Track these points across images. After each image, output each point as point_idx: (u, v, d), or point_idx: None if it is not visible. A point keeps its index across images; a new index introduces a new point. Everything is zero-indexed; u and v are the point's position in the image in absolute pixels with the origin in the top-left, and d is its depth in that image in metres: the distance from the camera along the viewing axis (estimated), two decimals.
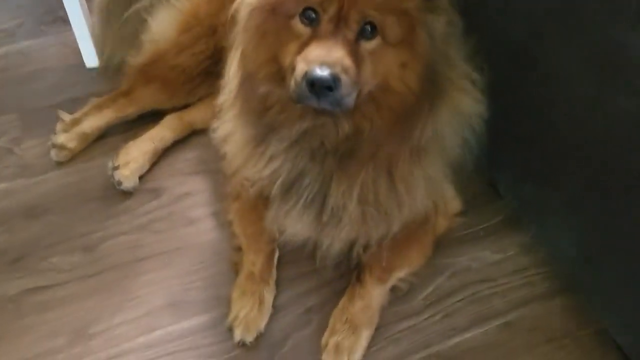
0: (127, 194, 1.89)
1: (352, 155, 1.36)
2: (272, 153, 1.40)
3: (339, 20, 1.18)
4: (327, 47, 1.16)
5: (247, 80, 1.34)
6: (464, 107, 1.41)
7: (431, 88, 1.27)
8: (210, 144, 1.93)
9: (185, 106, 2.05)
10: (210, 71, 1.96)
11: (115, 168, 1.88)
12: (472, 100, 1.42)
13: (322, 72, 1.13)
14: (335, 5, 1.17)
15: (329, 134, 1.31)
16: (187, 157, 2.01)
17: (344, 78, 1.15)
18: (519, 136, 1.56)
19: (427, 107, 1.28)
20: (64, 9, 2.16)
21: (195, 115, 2.03)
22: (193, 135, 2.06)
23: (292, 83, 1.19)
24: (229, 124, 1.55)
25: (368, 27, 1.19)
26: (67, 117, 2.01)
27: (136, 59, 2.03)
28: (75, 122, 2.00)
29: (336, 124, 1.30)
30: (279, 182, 1.44)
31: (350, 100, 1.20)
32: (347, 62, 1.16)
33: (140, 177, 1.92)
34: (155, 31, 2.02)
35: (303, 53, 1.18)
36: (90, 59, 2.28)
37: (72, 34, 2.25)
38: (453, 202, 1.68)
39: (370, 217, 1.45)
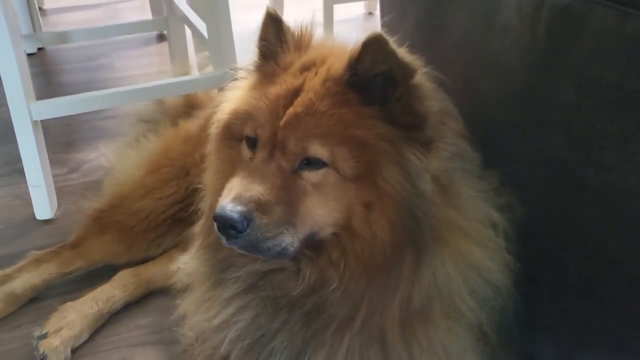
0: None
1: (321, 314, 1.04)
2: (225, 297, 1.13)
3: (274, 148, 1.01)
4: (250, 179, 0.99)
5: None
6: (476, 259, 1.06)
7: (413, 237, 0.97)
8: (171, 308, 1.56)
9: (144, 261, 1.68)
10: (178, 218, 1.65)
11: (42, 337, 1.44)
12: (487, 250, 1.07)
13: (228, 209, 0.94)
14: (268, 132, 1.02)
15: (287, 281, 1.07)
16: (140, 323, 1.58)
17: (258, 219, 0.95)
18: (566, 288, 1.13)
19: (409, 260, 0.98)
20: None
21: (155, 272, 1.65)
22: (150, 296, 1.66)
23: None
24: (189, 262, 1.25)
25: (316, 159, 0.97)
26: None
27: (92, 205, 1.71)
28: (5, 280, 1.61)
29: (297, 270, 1.06)
30: (230, 337, 1.11)
31: (282, 245, 0.98)
32: (268, 198, 0.96)
33: (74, 350, 1.48)
34: (119, 173, 1.75)
35: (227, 183, 1.01)
36: (42, 210, 1.97)
37: (26, 186, 1.99)
38: None
39: None
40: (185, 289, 1.29)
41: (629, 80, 0.79)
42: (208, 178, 1.21)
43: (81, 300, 1.55)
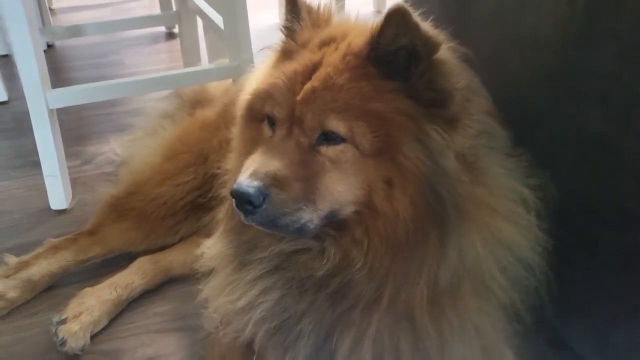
0: (73, 358, 1.40)
1: (348, 294, 1.02)
2: (249, 278, 1.11)
3: (292, 124, 1.00)
4: (269, 155, 0.98)
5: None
6: (506, 236, 1.04)
7: (436, 215, 0.95)
8: (190, 295, 1.55)
9: (162, 249, 1.66)
10: (197, 204, 1.64)
11: (62, 322, 1.42)
12: (517, 227, 1.05)
13: (244, 184, 0.94)
14: (285, 108, 1.01)
15: (312, 261, 1.04)
16: (158, 310, 1.56)
17: (274, 194, 0.94)
18: (601, 264, 1.11)
19: (433, 238, 0.96)
20: (38, 152, 1.92)
21: (173, 259, 1.64)
22: (168, 283, 1.64)
23: None
24: (213, 245, 1.22)
25: (332, 132, 0.96)
26: (12, 260, 1.60)
27: (109, 192, 1.70)
28: (22, 266, 1.59)
29: (322, 250, 1.03)
30: (255, 318, 1.09)
31: (301, 222, 0.97)
32: (285, 173, 0.95)
33: (93, 336, 1.46)
34: (136, 160, 1.74)
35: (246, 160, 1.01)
36: (57, 200, 1.95)
37: (40, 177, 1.98)
38: None
39: None
40: (209, 274, 1.28)
41: None
42: (232, 161, 1.19)
43: (100, 286, 1.54)
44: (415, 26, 0.91)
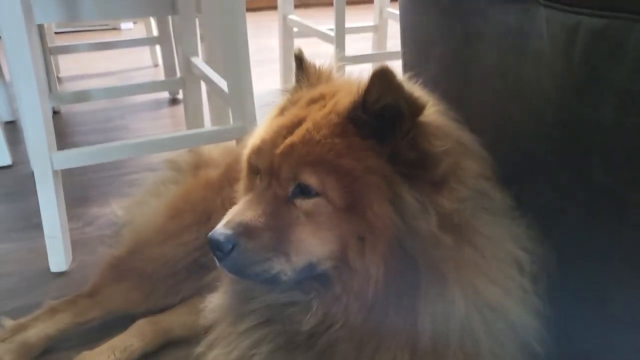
0: None
1: (334, 355, 1.01)
2: (242, 329, 1.12)
3: (271, 176, 1.03)
4: (246, 205, 1.02)
5: None
6: (493, 298, 1.00)
7: (409, 277, 0.94)
8: (192, 358, 1.51)
9: (162, 310, 1.63)
10: (199, 264, 1.61)
11: None
12: (508, 291, 1.02)
13: (217, 232, 0.98)
14: (267, 160, 1.04)
15: (298, 315, 1.05)
16: None
17: (243, 242, 0.97)
18: (613, 320, 1.07)
19: (406, 301, 0.95)
20: (39, 215, 1.92)
21: (174, 320, 1.60)
22: (169, 346, 1.59)
23: None
24: (213, 299, 1.23)
25: (306, 185, 0.98)
26: (9, 323, 1.57)
27: (111, 252, 1.68)
28: (19, 329, 1.55)
29: (307, 305, 1.04)
30: None
31: (271, 272, 0.99)
32: (256, 223, 0.99)
33: None
34: (139, 220, 1.73)
35: None
36: (57, 263, 1.93)
37: (40, 239, 1.97)
38: None
39: None
40: (209, 328, 1.25)
41: None
42: None
43: (98, 349, 1.49)
44: (399, 86, 0.93)
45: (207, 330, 1.25)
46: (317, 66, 1.17)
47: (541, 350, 1.03)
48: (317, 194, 0.98)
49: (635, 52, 0.84)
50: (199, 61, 2.50)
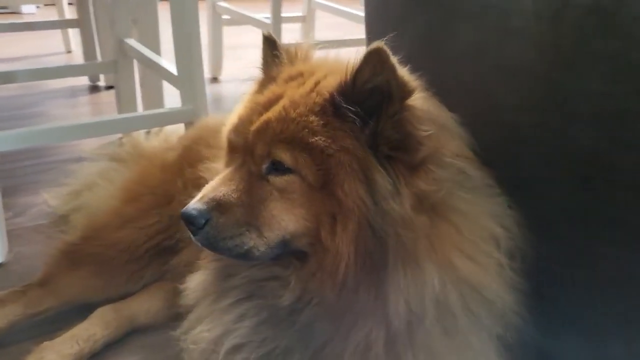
0: None
1: (315, 330, 1.02)
2: (225, 305, 1.13)
3: (246, 153, 1.05)
4: (220, 181, 1.04)
5: None
6: (471, 275, 1.03)
7: (377, 257, 0.96)
8: (159, 345, 1.46)
9: (122, 297, 1.55)
10: (162, 248, 1.56)
11: None
12: (485, 267, 1.04)
13: (190, 207, 1.01)
14: (242, 137, 1.06)
15: (280, 290, 1.06)
16: None
17: (215, 217, 1.00)
18: (600, 282, 1.13)
19: (376, 280, 0.97)
20: None
21: (137, 307, 1.53)
22: (133, 334, 1.52)
23: None
24: (195, 278, 1.21)
25: (280, 162, 0.99)
26: None
27: (63, 239, 1.58)
28: None
29: (286, 280, 1.05)
30: (229, 344, 1.09)
31: (244, 247, 1.01)
32: (228, 199, 1.01)
33: None
34: (92, 204, 1.63)
35: None
36: None
37: None
38: None
39: None
40: (190, 307, 1.22)
41: None
42: None
43: (59, 339, 1.39)
44: (392, 67, 0.93)
45: (188, 309, 1.22)
46: (295, 46, 1.18)
47: (517, 324, 1.07)
48: (290, 171, 0.98)
49: (625, 25, 0.92)
50: (135, 43, 2.40)
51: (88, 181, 1.95)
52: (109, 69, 2.65)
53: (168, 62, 2.13)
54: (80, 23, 3.46)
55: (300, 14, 3.81)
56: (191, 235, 1.03)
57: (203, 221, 0.99)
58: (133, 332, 1.52)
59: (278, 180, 1.00)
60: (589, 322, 1.13)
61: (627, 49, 0.93)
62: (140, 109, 2.74)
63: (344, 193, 0.95)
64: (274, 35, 1.19)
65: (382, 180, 0.95)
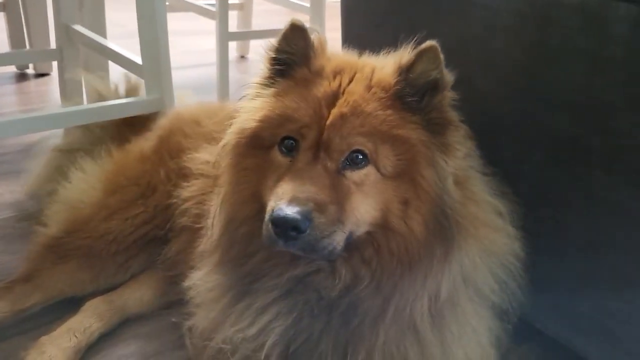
0: None
1: (356, 311, 1.09)
2: (259, 306, 1.14)
3: (318, 149, 1.04)
4: (300, 181, 1.00)
5: (229, 224, 1.16)
6: (497, 246, 1.19)
7: (443, 232, 1.07)
8: (153, 333, 1.48)
9: (109, 289, 1.56)
10: (149, 238, 1.57)
11: None
12: (504, 238, 1.20)
13: (288, 211, 0.95)
14: (314, 132, 1.04)
15: (325, 282, 1.09)
16: (122, 353, 1.46)
17: (317, 218, 0.97)
18: (572, 252, 1.28)
19: (439, 253, 1.07)
20: None
21: (128, 297, 1.54)
22: (125, 324, 1.53)
23: (264, 224, 1.01)
24: (207, 277, 1.22)
25: (357, 155, 1.04)
26: None
27: (45, 232, 1.55)
28: None
29: (333, 271, 1.08)
30: (270, 343, 1.12)
31: (333, 244, 1.00)
32: (323, 197, 0.99)
33: None
34: (72, 196, 1.60)
35: (275, 188, 1.02)
36: None
37: None
38: None
39: None
40: (200, 305, 1.25)
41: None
42: (225, 191, 1.17)
43: (56, 333, 1.39)
44: (441, 61, 1.05)
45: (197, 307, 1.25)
46: (319, 37, 1.18)
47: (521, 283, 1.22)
48: (366, 164, 1.03)
49: (607, 25, 1.06)
50: (85, 30, 2.32)
51: (49, 172, 1.91)
52: (53, 57, 2.54)
53: (119, 48, 2.08)
54: (7, 7, 3.26)
55: (237, 1, 3.79)
56: (281, 243, 0.98)
57: (308, 224, 0.96)
58: (126, 322, 1.52)
59: (355, 174, 1.03)
60: (558, 285, 1.29)
61: (606, 46, 1.07)
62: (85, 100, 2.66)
63: (423, 178, 1.03)
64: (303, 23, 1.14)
65: (442, 162, 1.06)
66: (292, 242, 0.97)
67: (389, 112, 1.05)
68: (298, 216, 0.94)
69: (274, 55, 1.16)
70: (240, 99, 1.22)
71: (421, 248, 1.05)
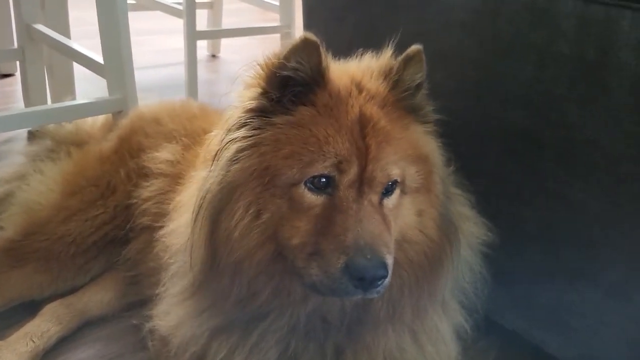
0: None
1: (362, 320, 1.09)
2: (266, 346, 1.10)
3: (362, 183, 0.97)
4: (360, 224, 0.93)
5: (229, 267, 1.03)
6: (473, 237, 1.22)
7: (449, 229, 1.10)
8: (114, 336, 1.46)
9: (68, 292, 1.53)
10: (109, 239, 1.55)
11: None
12: (476, 226, 1.23)
13: (371, 263, 0.90)
14: (355, 166, 0.97)
15: (332, 308, 1.07)
16: (82, 356, 1.43)
17: (389, 260, 0.93)
18: (527, 242, 1.30)
19: (448, 250, 1.09)
20: None
21: (88, 299, 1.52)
22: (86, 326, 1.50)
23: (319, 274, 0.94)
24: (191, 322, 1.14)
25: (391, 184, 1.01)
26: None
27: (2, 235, 1.52)
28: None
29: (343, 300, 1.06)
30: None
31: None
32: (387, 237, 0.95)
33: None
34: (30, 198, 1.58)
35: (332, 235, 0.93)
36: None
37: None
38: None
39: None
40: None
41: (588, 53, 1.04)
42: (234, 234, 1.00)
43: (12, 338, 1.36)
44: (424, 62, 1.07)
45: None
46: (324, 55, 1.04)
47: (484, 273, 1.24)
48: (395, 188, 1.01)
49: (555, 20, 1.07)
50: (47, 29, 2.28)
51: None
52: (15, 56, 2.49)
53: (81, 47, 2.06)
54: None
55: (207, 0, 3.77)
56: (362, 292, 0.93)
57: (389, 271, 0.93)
58: (86, 325, 1.50)
59: (390, 201, 1.01)
60: (515, 278, 1.31)
61: (555, 40, 1.08)
62: (49, 100, 2.62)
63: (435, 185, 1.06)
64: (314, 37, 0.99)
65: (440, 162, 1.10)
66: (373, 290, 0.94)
67: (409, 132, 1.05)
68: (385, 272, 0.92)
69: (279, 73, 1.00)
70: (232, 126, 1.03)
71: (437, 250, 1.08)
